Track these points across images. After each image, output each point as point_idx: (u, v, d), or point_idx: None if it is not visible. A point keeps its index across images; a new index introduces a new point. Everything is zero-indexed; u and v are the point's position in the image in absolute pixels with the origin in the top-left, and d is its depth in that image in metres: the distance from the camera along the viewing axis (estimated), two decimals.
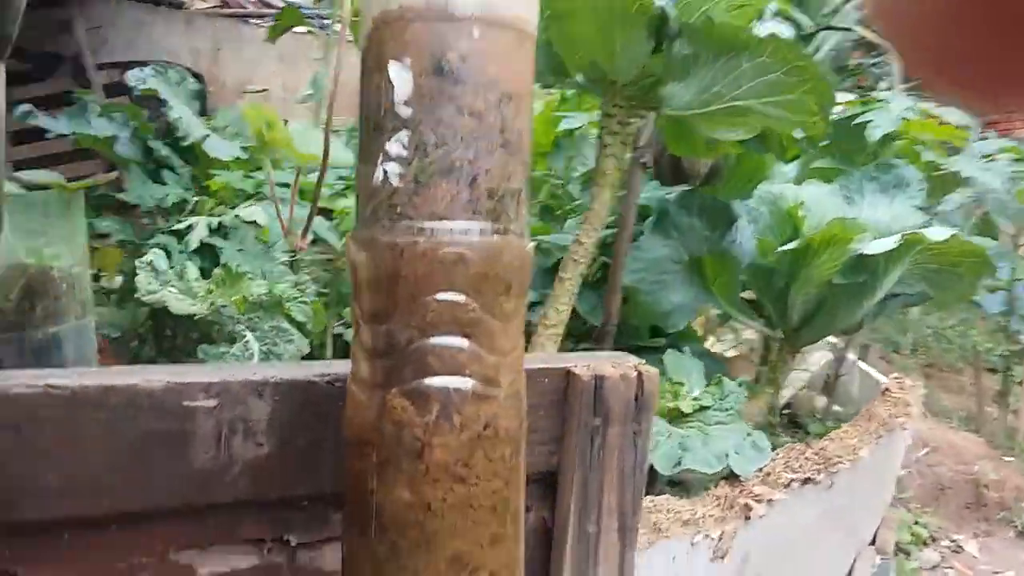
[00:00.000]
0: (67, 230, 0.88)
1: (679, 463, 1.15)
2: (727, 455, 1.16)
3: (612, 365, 0.77)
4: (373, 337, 0.49)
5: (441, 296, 0.48)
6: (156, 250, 1.28)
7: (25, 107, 1.64)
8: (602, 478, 0.78)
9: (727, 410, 1.26)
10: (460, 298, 0.48)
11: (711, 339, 2.66)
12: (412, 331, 0.48)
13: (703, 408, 1.27)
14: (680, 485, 1.25)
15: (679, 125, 1.34)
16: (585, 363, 0.76)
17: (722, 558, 1.14)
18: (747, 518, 1.15)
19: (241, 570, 0.65)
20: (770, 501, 1.19)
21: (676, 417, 1.28)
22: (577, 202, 2.42)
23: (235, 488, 0.62)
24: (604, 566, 0.80)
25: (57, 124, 1.68)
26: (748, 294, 1.99)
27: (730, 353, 2.73)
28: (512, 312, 0.51)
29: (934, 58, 0.16)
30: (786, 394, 2.62)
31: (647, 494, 1.13)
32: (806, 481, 1.28)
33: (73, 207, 0.90)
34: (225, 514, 0.63)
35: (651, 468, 1.18)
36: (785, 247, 1.45)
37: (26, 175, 1.20)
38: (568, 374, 0.74)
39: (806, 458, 1.30)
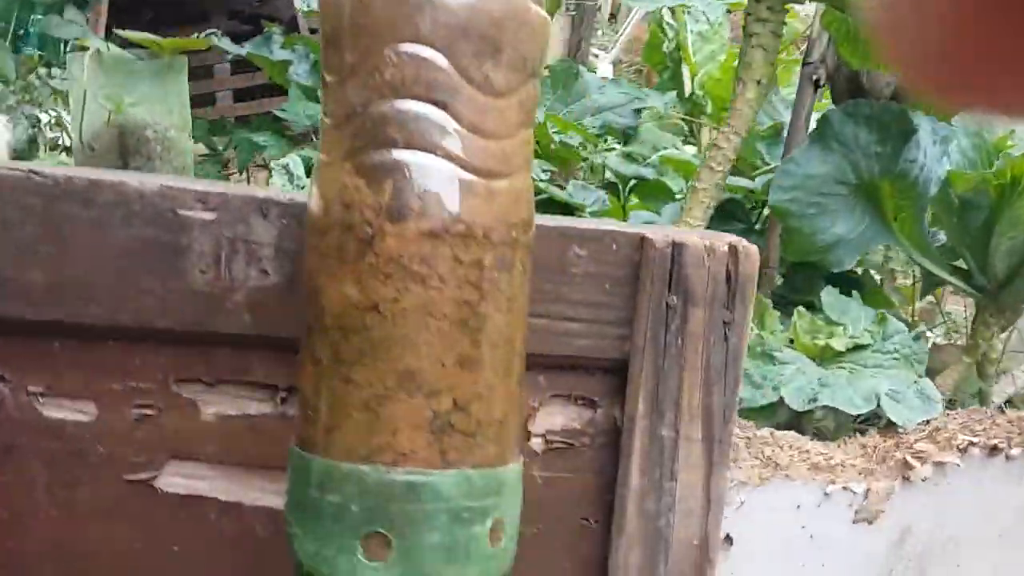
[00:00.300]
0: (163, 92, 0.88)
1: (814, 399, 0.97)
2: (878, 396, 0.97)
3: (698, 236, 0.65)
4: (332, 104, 0.41)
5: (404, 48, 0.39)
6: (293, 155, 1.29)
7: (210, 29, 1.72)
8: (681, 372, 0.66)
9: (890, 352, 1.06)
10: (429, 53, 0.39)
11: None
12: (369, 93, 0.39)
13: (859, 347, 1.08)
14: (823, 429, 1.07)
15: (849, 21, 1.14)
16: (663, 230, 0.64)
17: (869, 522, 0.96)
18: (905, 478, 0.96)
19: (252, 416, 0.60)
20: (938, 464, 0.99)
21: (828, 357, 1.10)
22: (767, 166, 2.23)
23: (239, 319, 0.56)
24: (684, 478, 0.68)
25: (239, 49, 1.76)
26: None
27: (934, 334, 2.41)
28: (505, 86, 0.41)
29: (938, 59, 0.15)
30: (1007, 390, 2.29)
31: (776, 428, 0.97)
32: (992, 450, 1.06)
33: (172, 71, 0.90)
34: (230, 348, 0.57)
35: (786, 406, 1.01)
36: (983, 172, 1.20)
37: (124, 33, 1.24)
38: (642, 240, 0.63)
39: (994, 423, 1.07)
